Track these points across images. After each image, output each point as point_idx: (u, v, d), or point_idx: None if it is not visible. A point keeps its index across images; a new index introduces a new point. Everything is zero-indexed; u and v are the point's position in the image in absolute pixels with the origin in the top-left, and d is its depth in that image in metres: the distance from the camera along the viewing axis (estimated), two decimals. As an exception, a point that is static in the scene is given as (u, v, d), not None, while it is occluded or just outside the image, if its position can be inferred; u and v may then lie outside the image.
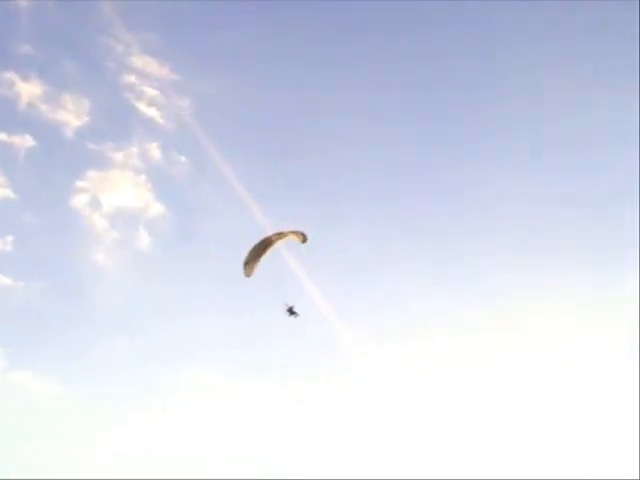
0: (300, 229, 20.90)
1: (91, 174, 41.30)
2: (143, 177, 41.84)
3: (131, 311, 39.21)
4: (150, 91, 41.21)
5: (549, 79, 42.87)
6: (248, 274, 19.42)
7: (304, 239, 20.82)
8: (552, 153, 42.98)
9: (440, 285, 40.60)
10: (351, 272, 40.84)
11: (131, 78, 41.13)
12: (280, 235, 20.19)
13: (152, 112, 41.06)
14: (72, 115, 40.19)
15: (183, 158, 42.08)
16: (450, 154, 43.79)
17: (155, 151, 41.77)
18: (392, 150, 44.34)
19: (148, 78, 41.20)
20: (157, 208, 41.47)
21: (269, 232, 19.82)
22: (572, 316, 37.06)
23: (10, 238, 39.00)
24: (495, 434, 32.83)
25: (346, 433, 34.07)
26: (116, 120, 42.52)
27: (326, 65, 44.87)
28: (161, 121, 41.28)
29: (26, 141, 39.64)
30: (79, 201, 40.72)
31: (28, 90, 39.52)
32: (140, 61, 41.06)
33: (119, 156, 41.60)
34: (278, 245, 19.96)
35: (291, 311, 20.73)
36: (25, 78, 39.78)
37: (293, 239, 20.91)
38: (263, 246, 19.44)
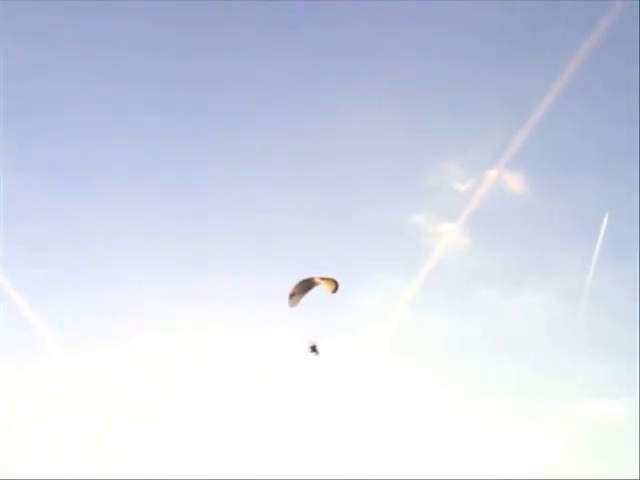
0: (334, 278, 23.09)
1: None
2: None
3: None
4: None
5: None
6: (293, 304, 21.85)
7: (335, 289, 22.82)
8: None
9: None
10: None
11: None
12: (321, 279, 22.51)
13: None
14: None
15: None
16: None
17: None
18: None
19: None
20: None
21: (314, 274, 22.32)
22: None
23: None
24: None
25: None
26: None
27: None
28: None
29: None
30: None
31: None
32: None
33: None
34: (319, 286, 22.37)
35: (314, 349, 22.80)
36: None
37: (325, 285, 23.01)
38: (308, 284, 21.91)
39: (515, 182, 42.71)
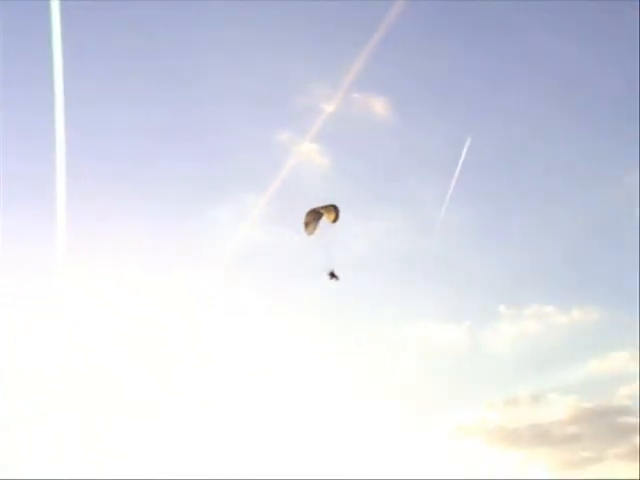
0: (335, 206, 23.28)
1: None
2: None
3: None
4: None
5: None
6: (311, 232, 22.44)
7: (335, 218, 23.03)
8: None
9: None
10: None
11: None
12: (324, 208, 23.07)
13: None
14: None
15: None
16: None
17: None
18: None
19: None
20: None
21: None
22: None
23: None
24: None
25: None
26: None
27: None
28: None
29: None
30: None
31: None
32: None
33: None
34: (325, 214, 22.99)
35: (332, 274, 23.33)
36: None
37: (326, 214, 23.42)
38: (315, 214, 22.48)
39: (381, 107, 44.20)
